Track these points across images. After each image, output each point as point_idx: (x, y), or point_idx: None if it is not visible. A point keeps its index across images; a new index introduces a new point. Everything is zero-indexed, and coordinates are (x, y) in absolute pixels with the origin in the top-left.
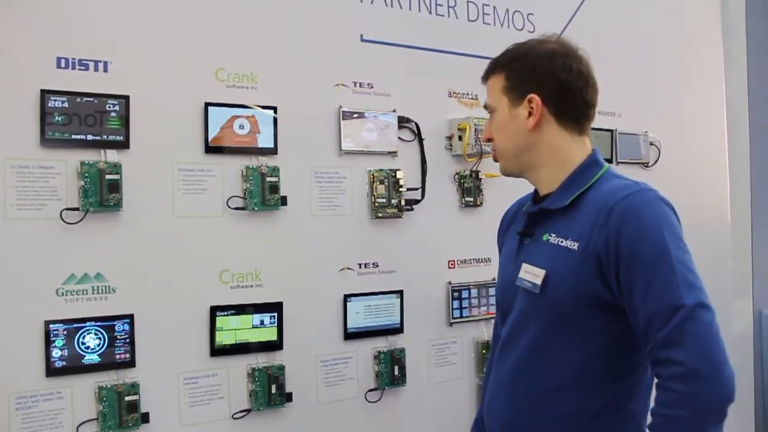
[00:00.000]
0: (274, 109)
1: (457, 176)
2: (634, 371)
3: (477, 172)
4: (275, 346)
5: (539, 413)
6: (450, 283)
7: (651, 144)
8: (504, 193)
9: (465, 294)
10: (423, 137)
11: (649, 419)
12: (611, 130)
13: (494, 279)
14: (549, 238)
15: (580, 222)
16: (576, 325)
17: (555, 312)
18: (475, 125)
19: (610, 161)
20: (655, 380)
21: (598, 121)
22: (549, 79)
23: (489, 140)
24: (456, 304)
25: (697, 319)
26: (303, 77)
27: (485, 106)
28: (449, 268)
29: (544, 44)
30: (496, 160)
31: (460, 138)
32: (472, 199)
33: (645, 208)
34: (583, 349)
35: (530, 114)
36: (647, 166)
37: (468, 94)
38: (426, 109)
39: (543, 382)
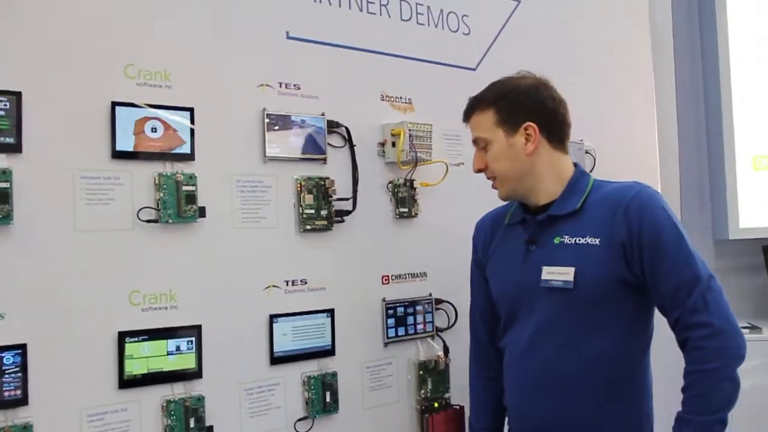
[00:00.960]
0: (191, 110)
1: (390, 185)
2: (648, 342)
3: (412, 181)
4: (193, 374)
5: (580, 400)
6: (384, 300)
7: (586, 152)
8: (440, 203)
9: (400, 311)
10: (354, 143)
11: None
12: None
13: (431, 294)
14: (562, 240)
15: (593, 221)
16: (606, 308)
17: (588, 302)
18: (409, 131)
19: None
20: (685, 343)
21: None
22: (539, 108)
23: (481, 170)
24: (391, 322)
25: (713, 288)
26: (223, 76)
27: (475, 141)
28: (383, 283)
29: (524, 80)
30: (496, 188)
31: (393, 144)
32: (406, 210)
33: (654, 202)
34: (614, 329)
35: (527, 140)
36: None
37: (401, 98)
38: (357, 113)
39: (582, 370)
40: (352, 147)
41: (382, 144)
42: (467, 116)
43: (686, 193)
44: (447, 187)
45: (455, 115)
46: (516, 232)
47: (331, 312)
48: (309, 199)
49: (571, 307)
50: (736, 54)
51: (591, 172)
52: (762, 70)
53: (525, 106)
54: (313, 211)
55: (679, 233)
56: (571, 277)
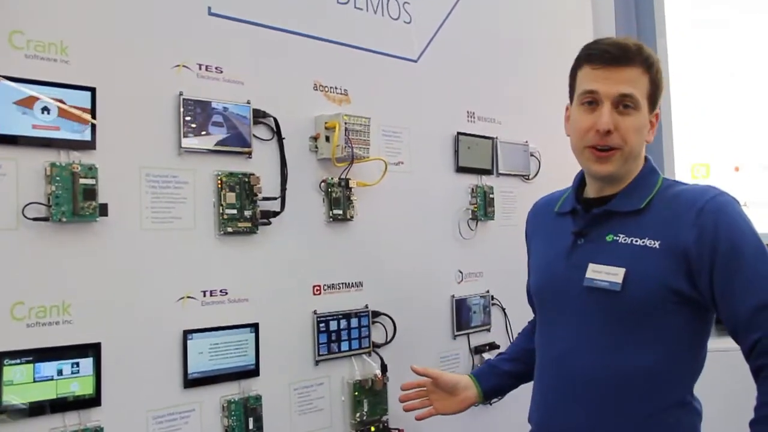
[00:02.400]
0: (92, 90)
1: (323, 184)
2: (700, 366)
3: (347, 180)
4: (91, 401)
5: (618, 415)
6: (315, 312)
7: (531, 155)
8: (378, 205)
9: (333, 326)
10: (283, 136)
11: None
12: (492, 138)
13: (367, 306)
14: (617, 238)
15: (655, 222)
16: (656, 322)
17: (635, 310)
18: (345, 124)
19: (489, 172)
20: (760, 371)
21: (478, 127)
22: (660, 97)
23: (610, 132)
24: (323, 338)
25: None
26: (132, 53)
27: (626, 95)
28: (314, 294)
29: None
30: (602, 161)
31: (327, 139)
32: (341, 212)
33: (732, 209)
34: (662, 346)
35: (651, 126)
36: (527, 179)
37: (337, 88)
38: (287, 103)
39: (622, 382)
40: (280, 140)
41: (315, 138)
42: (626, 60)
43: None
44: (385, 188)
45: (394, 109)
46: (564, 222)
47: (255, 327)
48: (231, 197)
49: (614, 313)
50: (674, 65)
51: (536, 177)
52: (697, 79)
53: (661, 90)
54: (235, 212)
55: (760, 244)
56: (620, 279)
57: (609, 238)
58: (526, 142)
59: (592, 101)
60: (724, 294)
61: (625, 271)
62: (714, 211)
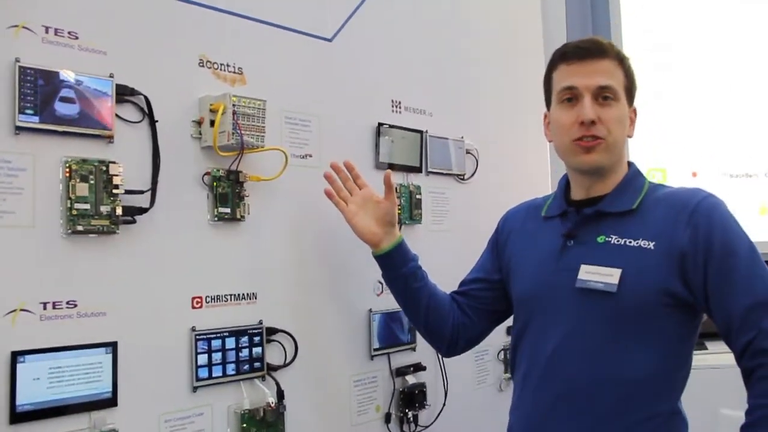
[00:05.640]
0: None
1: (207, 177)
2: (687, 375)
3: (237, 173)
4: None
5: (608, 422)
6: (194, 329)
7: (468, 152)
8: (277, 204)
9: (217, 345)
10: (156, 119)
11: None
12: (420, 132)
13: (261, 322)
14: (609, 239)
15: (648, 223)
16: (649, 325)
17: (628, 312)
18: (233, 106)
19: (417, 170)
20: (752, 372)
21: (405, 119)
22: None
23: (594, 123)
24: (203, 359)
25: None
26: None
27: (604, 87)
28: (194, 307)
29: None
30: (588, 151)
31: (213, 123)
32: (229, 211)
33: (724, 209)
34: (655, 350)
35: (630, 122)
36: (463, 179)
37: (228, 65)
38: (164, 80)
39: (614, 387)
40: (153, 123)
41: (199, 122)
42: (600, 53)
43: None
44: (288, 184)
45: (302, 94)
46: (552, 226)
47: (112, 346)
48: (82, 189)
49: (608, 316)
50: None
51: (472, 177)
52: (652, 83)
53: (635, 86)
54: (88, 207)
55: (752, 246)
56: (615, 280)
57: (600, 239)
58: (462, 137)
59: (571, 97)
60: (717, 294)
61: (621, 271)
62: (707, 212)
